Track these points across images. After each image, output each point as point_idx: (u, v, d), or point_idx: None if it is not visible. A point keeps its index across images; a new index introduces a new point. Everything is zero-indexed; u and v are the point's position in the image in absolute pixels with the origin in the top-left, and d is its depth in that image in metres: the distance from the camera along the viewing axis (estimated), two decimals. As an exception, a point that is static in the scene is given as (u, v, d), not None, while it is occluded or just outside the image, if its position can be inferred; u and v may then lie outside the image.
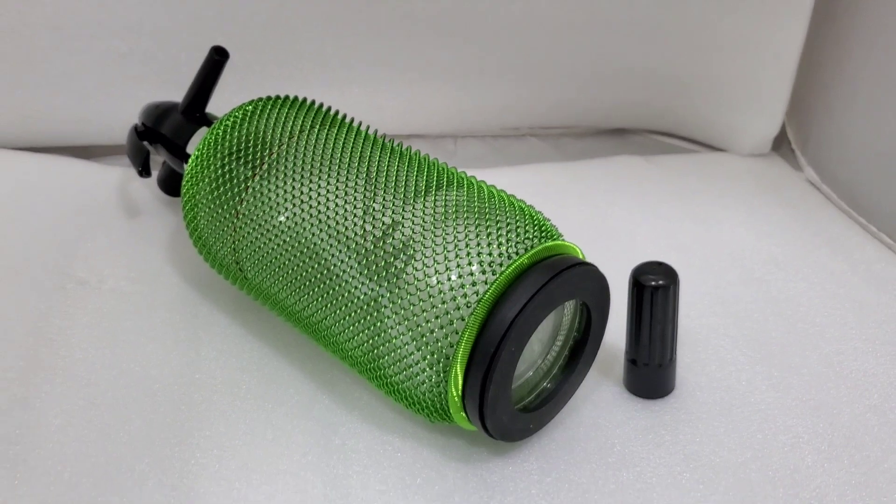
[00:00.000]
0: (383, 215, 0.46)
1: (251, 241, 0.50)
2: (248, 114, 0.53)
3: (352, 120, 0.53)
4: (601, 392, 0.51)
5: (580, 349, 0.48)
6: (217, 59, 0.57)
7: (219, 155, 0.52)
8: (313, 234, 0.47)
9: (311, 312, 0.48)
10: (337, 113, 0.53)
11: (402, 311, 0.44)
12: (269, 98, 0.54)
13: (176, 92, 0.61)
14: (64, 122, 0.69)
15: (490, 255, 0.44)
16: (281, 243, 0.49)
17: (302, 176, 0.49)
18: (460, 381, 0.43)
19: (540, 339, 0.47)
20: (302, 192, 0.49)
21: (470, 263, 0.44)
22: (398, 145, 0.51)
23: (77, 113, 0.69)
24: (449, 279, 0.43)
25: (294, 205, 0.48)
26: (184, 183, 0.53)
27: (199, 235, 0.53)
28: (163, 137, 0.59)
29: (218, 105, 0.58)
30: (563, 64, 0.71)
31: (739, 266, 0.60)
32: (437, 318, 0.43)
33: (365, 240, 0.46)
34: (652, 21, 0.69)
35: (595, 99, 0.73)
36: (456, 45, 0.70)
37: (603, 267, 0.47)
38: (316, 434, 0.48)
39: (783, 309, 0.56)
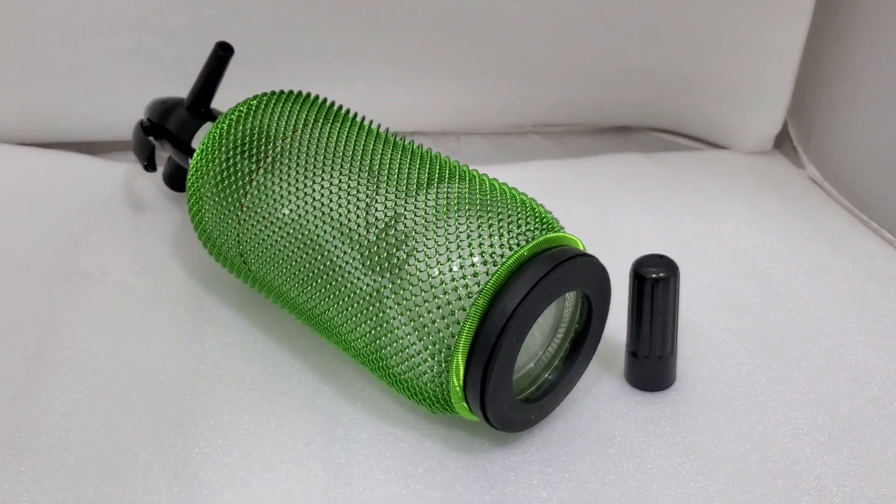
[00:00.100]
0: (385, 208, 0.47)
1: (255, 234, 0.50)
2: (252, 108, 0.54)
3: (355, 115, 0.53)
4: (602, 384, 0.51)
5: (581, 341, 0.48)
6: (222, 55, 0.58)
7: (223, 149, 0.52)
8: (316, 227, 0.48)
9: (313, 304, 0.49)
10: (340, 108, 0.54)
11: (404, 303, 0.45)
12: (272, 93, 0.54)
13: (181, 89, 0.62)
14: (70, 119, 0.70)
15: (491, 246, 0.44)
16: (284, 236, 0.49)
17: (305, 169, 0.50)
18: (462, 371, 0.44)
19: (542, 330, 0.48)
20: (305, 186, 0.49)
21: (471, 255, 0.44)
22: (401, 139, 0.51)
23: (83, 109, 0.69)
24: (451, 270, 0.44)
25: (297, 197, 0.49)
26: (189, 177, 0.54)
27: (203, 229, 0.54)
28: (168, 132, 0.59)
29: (223, 102, 0.59)
30: (566, 62, 0.71)
31: (741, 261, 0.60)
32: (438, 308, 0.44)
33: (367, 232, 0.46)
34: (654, 19, 0.69)
35: (598, 97, 0.74)
36: (460, 42, 0.70)
37: (605, 262, 0.47)
38: (319, 424, 0.48)
39: (784, 303, 0.57)
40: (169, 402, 0.49)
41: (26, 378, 0.50)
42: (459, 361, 0.43)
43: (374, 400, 0.50)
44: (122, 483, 0.45)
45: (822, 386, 0.51)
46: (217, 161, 0.52)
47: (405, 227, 0.46)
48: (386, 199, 0.47)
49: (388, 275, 0.45)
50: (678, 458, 0.47)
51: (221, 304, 0.56)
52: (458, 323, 0.43)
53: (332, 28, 0.68)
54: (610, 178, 0.69)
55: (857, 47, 0.67)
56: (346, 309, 0.47)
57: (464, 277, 0.43)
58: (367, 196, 0.47)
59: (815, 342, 0.54)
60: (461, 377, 0.44)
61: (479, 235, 0.44)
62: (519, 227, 0.45)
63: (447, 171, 0.49)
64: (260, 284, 0.52)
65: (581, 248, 0.47)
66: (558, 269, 0.44)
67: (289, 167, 0.50)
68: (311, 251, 0.48)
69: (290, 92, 0.54)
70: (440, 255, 0.44)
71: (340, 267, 0.47)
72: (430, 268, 0.44)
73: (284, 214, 0.49)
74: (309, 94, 0.55)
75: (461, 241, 0.44)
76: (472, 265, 0.44)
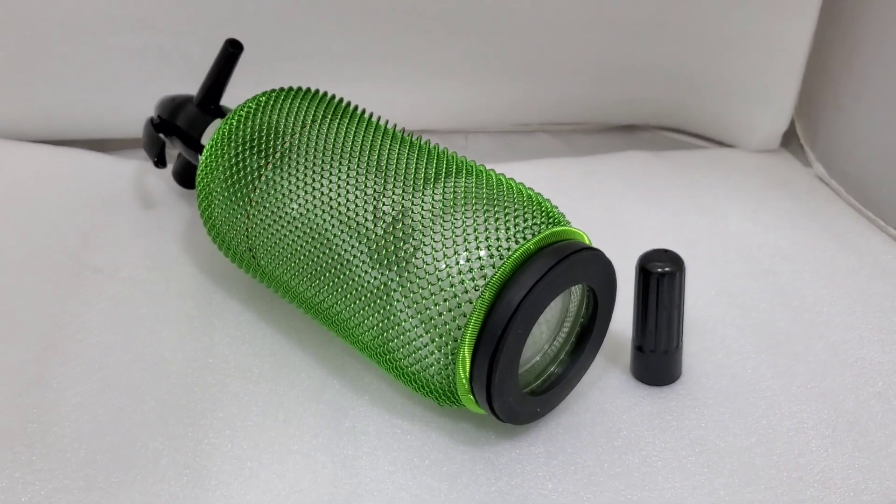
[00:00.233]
0: (393, 203, 0.47)
1: (264, 229, 0.51)
2: (262, 105, 0.54)
3: (363, 111, 0.54)
4: (608, 379, 0.51)
5: (587, 335, 0.49)
6: (232, 52, 0.59)
7: (232, 145, 0.53)
8: (324, 222, 0.48)
9: (321, 299, 0.49)
10: (348, 104, 0.54)
11: (411, 296, 0.45)
12: (281, 89, 0.55)
13: (191, 87, 0.62)
14: (81, 116, 0.70)
15: (497, 240, 0.44)
16: (293, 230, 0.49)
17: (314, 165, 0.50)
18: (468, 363, 0.44)
19: (548, 323, 0.48)
20: (313, 181, 0.49)
21: (478, 248, 0.44)
22: (408, 135, 0.52)
23: (94, 107, 0.70)
24: (457, 263, 0.44)
25: (306, 192, 0.49)
26: (198, 172, 0.54)
27: (213, 224, 0.54)
28: (178, 129, 0.60)
29: (232, 100, 0.59)
30: (574, 61, 0.72)
31: (747, 258, 0.61)
32: (445, 301, 0.44)
33: (375, 226, 0.47)
34: (661, 18, 0.70)
35: (605, 95, 0.74)
36: (467, 41, 0.70)
37: (612, 258, 0.47)
38: (327, 416, 0.49)
39: (790, 300, 0.57)
40: (178, 395, 0.50)
41: (38, 370, 0.51)
42: (466, 353, 0.44)
43: (382, 393, 0.50)
44: (132, 473, 0.46)
45: (828, 381, 0.51)
46: (226, 157, 0.53)
47: (412, 221, 0.46)
48: (393, 193, 0.47)
49: (395, 268, 0.46)
50: (683, 452, 0.47)
51: (230, 299, 0.57)
52: (465, 315, 0.44)
53: (341, 27, 0.69)
54: (617, 176, 0.70)
55: (864, 46, 0.67)
56: (354, 303, 0.47)
57: (470, 271, 0.44)
58: (374, 191, 0.48)
59: (820, 338, 0.54)
60: (467, 369, 0.44)
61: (486, 229, 0.45)
62: (525, 220, 0.45)
63: (454, 167, 0.49)
64: (269, 279, 0.53)
65: (587, 242, 0.47)
66: (564, 262, 0.44)
67: (297, 163, 0.50)
68: (319, 245, 0.48)
69: (299, 88, 0.55)
70: (447, 248, 0.45)
71: (348, 261, 0.47)
72: (437, 261, 0.45)
73: (293, 209, 0.50)
74: (317, 91, 0.55)
75: (468, 234, 0.45)
76: (479, 258, 0.44)
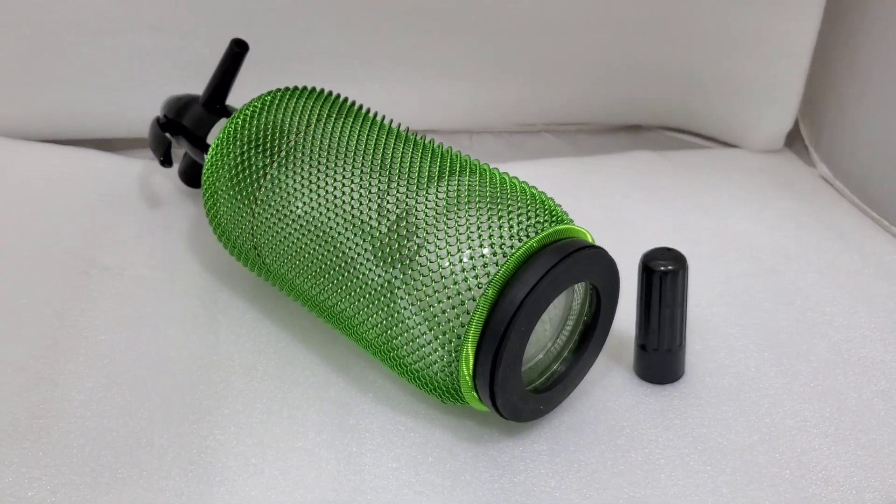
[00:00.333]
0: (397, 201, 0.47)
1: (268, 227, 0.51)
2: (267, 104, 0.54)
3: (367, 110, 0.54)
4: (611, 377, 0.52)
5: (590, 333, 0.49)
6: (237, 52, 0.59)
7: (237, 144, 0.53)
8: (329, 220, 0.49)
9: (326, 296, 0.49)
10: (353, 103, 0.55)
11: (415, 294, 0.45)
12: (286, 89, 0.55)
13: (196, 86, 0.63)
14: (88, 116, 0.71)
15: (501, 237, 0.45)
16: (297, 228, 0.50)
17: (318, 163, 0.50)
18: (471, 360, 0.44)
19: (551, 321, 0.48)
20: (318, 180, 0.50)
21: (481, 246, 0.44)
22: (412, 134, 0.52)
23: (101, 107, 0.70)
24: (461, 261, 0.44)
25: (310, 191, 0.50)
26: (204, 171, 0.54)
27: (218, 223, 0.55)
28: (184, 129, 0.60)
29: (237, 100, 0.60)
30: (578, 61, 0.72)
31: (750, 257, 0.61)
32: (448, 298, 0.44)
33: (379, 224, 0.47)
34: (666, 18, 0.70)
35: (609, 95, 0.74)
36: (472, 41, 0.71)
37: (616, 257, 0.47)
38: (331, 414, 0.49)
39: (793, 299, 0.57)
40: (183, 392, 0.50)
41: (44, 367, 0.51)
42: (469, 351, 0.44)
43: (386, 391, 0.51)
44: (138, 469, 0.46)
45: (831, 379, 0.51)
46: (232, 156, 0.53)
47: (416, 219, 0.46)
48: (398, 192, 0.48)
49: (399, 266, 0.46)
50: (686, 450, 0.47)
51: (236, 297, 0.57)
52: (468, 313, 0.44)
53: (346, 27, 0.69)
54: (621, 176, 0.70)
55: (868, 46, 0.67)
56: (358, 300, 0.47)
57: (474, 268, 0.44)
58: (378, 189, 0.48)
59: (823, 336, 0.54)
60: (471, 366, 0.44)
61: (489, 227, 0.45)
62: (528, 218, 0.45)
63: (458, 165, 0.49)
64: (273, 277, 0.53)
65: (590, 240, 0.47)
66: (567, 260, 0.44)
67: (302, 161, 0.51)
68: (323, 244, 0.49)
69: (304, 88, 0.55)
70: (450, 246, 0.45)
71: (352, 259, 0.47)
72: (441, 259, 0.45)
73: (298, 208, 0.50)
74: (322, 90, 0.55)
75: (471, 232, 0.45)
76: (482, 256, 0.44)
